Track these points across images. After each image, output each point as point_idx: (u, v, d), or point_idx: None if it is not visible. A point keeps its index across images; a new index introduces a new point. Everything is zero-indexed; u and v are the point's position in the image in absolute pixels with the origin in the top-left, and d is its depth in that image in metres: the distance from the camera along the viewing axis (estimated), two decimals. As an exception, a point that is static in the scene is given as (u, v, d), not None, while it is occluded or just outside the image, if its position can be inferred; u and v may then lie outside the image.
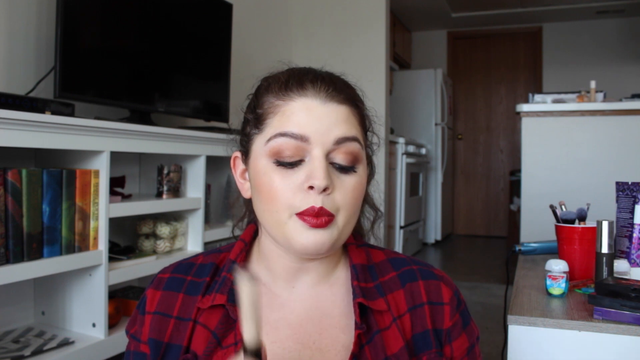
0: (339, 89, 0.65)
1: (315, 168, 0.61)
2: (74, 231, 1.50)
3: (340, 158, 0.63)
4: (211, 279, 0.70)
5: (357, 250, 0.72)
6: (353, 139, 0.64)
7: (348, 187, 0.63)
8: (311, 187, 0.61)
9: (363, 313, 0.65)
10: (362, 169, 0.66)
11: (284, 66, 0.71)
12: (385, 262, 0.72)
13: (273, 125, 0.64)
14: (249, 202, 0.74)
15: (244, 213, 0.79)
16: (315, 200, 0.61)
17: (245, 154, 0.69)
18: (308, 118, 0.62)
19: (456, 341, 0.68)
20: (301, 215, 0.61)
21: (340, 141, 0.63)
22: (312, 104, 0.63)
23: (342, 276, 0.71)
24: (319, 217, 0.61)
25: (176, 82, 2.08)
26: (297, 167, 0.62)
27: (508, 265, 1.57)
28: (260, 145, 0.64)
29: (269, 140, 0.63)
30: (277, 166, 0.63)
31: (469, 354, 0.70)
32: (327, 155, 0.62)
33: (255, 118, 0.67)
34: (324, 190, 0.61)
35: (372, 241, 0.79)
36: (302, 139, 0.61)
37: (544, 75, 5.64)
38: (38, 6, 1.75)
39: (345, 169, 0.64)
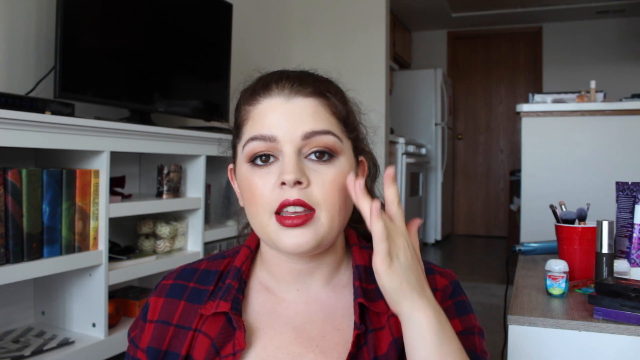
0: (304, 83, 0.65)
1: (285, 164, 0.61)
2: (74, 231, 1.50)
3: (313, 152, 0.63)
4: (214, 287, 0.70)
5: (360, 251, 0.72)
6: (323, 132, 0.63)
7: (326, 179, 0.62)
8: (284, 183, 0.61)
9: (363, 313, 0.65)
10: (342, 161, 0.64)
11: (260, 74, 0.71)
12: None
13: (246, 131, 0.65)
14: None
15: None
16: (289, 194, 0.61)
17: (235, 165, 0.71)
18: (273, 117, 0.63)
19: None
20: (278, 213, 0.62)
21: (309, 135, 0.62)
22: (276, 103, 0.64)
23: (345, 278, 0.71)
24: (295, 215, 0.61)
25: (176, 82, 2.08)
26: (272, 167, 0.63)
27: (508, 265, 1.57)
28: (240, 152, 0.66)
29: (244, 146, 0.65)
30: (254, 169, 0.64)
31: (462, 336, 0.64)
32: (300, 151, 0.63)
33: (235, 129, 0.69)
34: (298, 184, 0.61)
35: None
36: (270, 139, 0.62)
37: (544, 75, 5.64)
38: (38, 6, 1.75)
39: (321, 162, 0.63)
